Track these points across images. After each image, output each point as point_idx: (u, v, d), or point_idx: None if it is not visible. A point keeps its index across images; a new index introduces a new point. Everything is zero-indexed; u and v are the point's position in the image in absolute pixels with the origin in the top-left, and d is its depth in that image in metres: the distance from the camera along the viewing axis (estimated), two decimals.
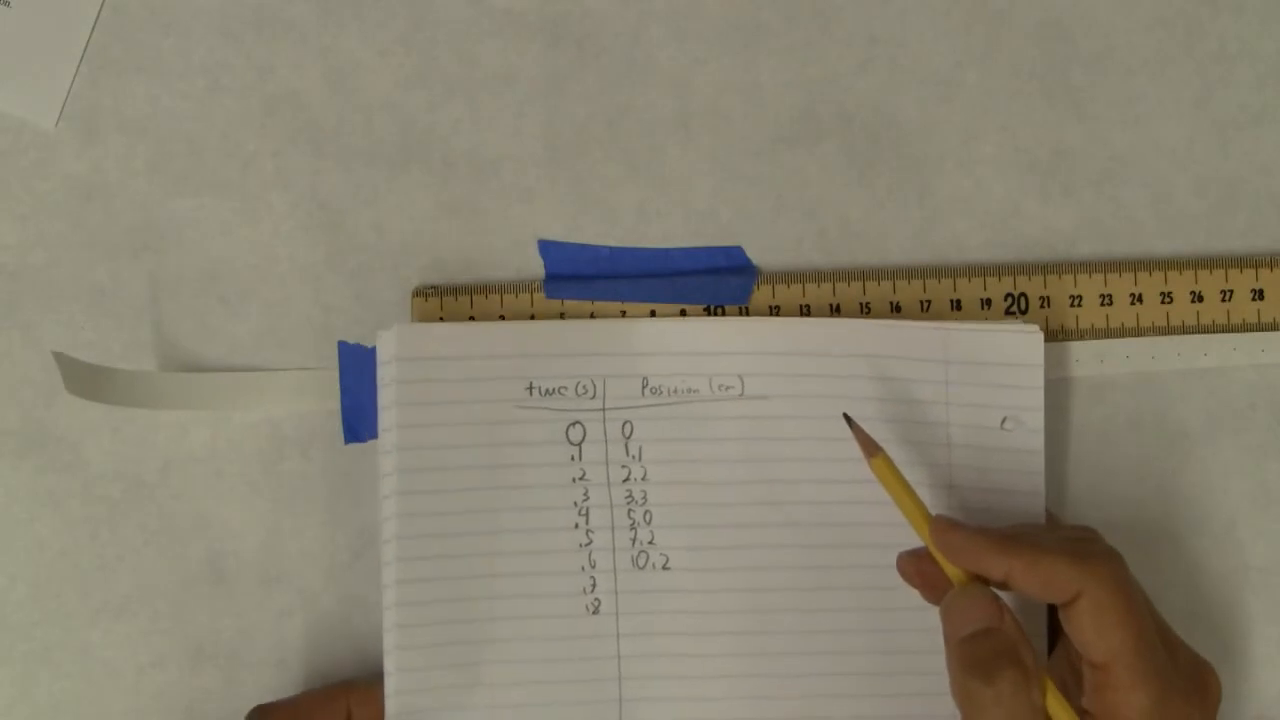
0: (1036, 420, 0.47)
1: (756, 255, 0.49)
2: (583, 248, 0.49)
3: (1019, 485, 0.47)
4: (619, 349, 0.47)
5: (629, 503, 0.47)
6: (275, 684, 0.48)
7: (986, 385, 0.47)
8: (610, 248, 0.49)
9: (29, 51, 0.49)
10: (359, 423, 0.48)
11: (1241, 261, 0.49)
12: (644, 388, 0.47)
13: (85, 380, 0.46)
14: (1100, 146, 0.49)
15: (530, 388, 0.47)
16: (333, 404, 0.48)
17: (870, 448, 0.44)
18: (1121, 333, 0.49)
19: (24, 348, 0.48)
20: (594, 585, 0.47)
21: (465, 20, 0.49)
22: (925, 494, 0.46)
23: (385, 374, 0.46)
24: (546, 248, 0.49)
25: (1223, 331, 0.49)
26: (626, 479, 0.47)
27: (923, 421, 0.47)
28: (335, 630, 0.48)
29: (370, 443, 0.48)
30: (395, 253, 0.49)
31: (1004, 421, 0.47)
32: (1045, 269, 0.49)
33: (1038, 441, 0.47)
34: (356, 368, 0.48)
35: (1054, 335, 0.48)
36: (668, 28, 0.49)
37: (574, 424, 0.47)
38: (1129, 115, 0.50)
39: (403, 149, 0.49)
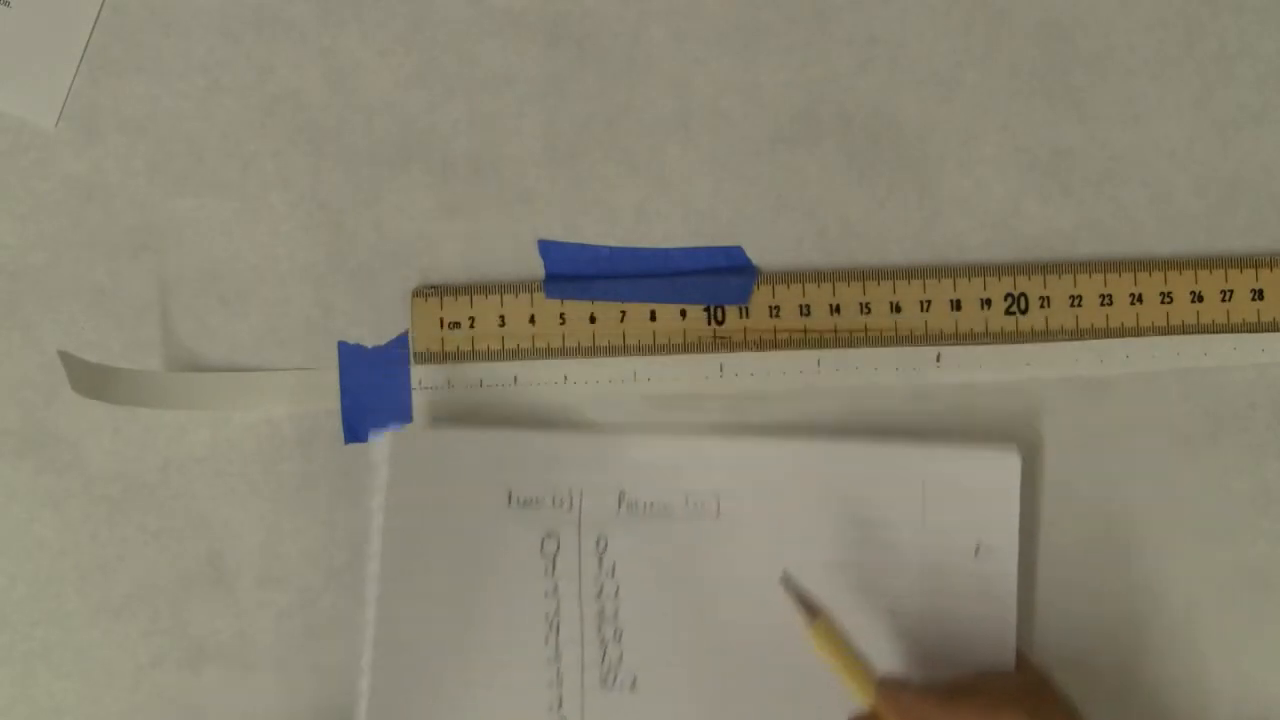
0: (1010, 546, 0.47)
1: (756, 255, 0.49)
2: (583, 248, 0.49)
3: (990, 611, 0.47)
4: (597, 460, 0.47)
5: (600, 619, 0.47)
6: (275, 684, 0.48)
7: (961, 510, 0.47)
8: (610, 248, 0.49)
9: (29, 51, 0.49)
10: (359, 423, 0.48)
11: (1241, 261, 0.49)
12: (620, 502, 0.47)
13: (89, 379, 0.46)
14: (1100, 146, 0.49)
15: (510, 497, 0.47)
16: (333, 404, 0.48)
17: (809, 612, 0.44)
18: (1121, 333, 0.49)
19: (24, 348, 0.48)
20: (560, 702, 0.47)
21: (465, 20, 0.49)
22: (896, 622, 0.46)
23: (377, 478, 0.47)
24: (546, 248, 0.49)
25: (1223, 331, 0.49)
26: (599, 594, 0.47)
27: (896, 546, 0.47)
28: (335, 630, 0.48)
29: (370, 442, 0.48)
30: (395, 253, 0.49)
31: (978, 549, 0.47)
32: (1045, 269, 0.49)
33: (1011, 567, 0.47)
34: (356, 368, 0.48)
35: (1054, 335, 0.48)
36: (668, 28, 0.49)
37: (549, 535, 0.47)
38: (1129, 115, 0.50)
39: (403, 149, 0.49)
